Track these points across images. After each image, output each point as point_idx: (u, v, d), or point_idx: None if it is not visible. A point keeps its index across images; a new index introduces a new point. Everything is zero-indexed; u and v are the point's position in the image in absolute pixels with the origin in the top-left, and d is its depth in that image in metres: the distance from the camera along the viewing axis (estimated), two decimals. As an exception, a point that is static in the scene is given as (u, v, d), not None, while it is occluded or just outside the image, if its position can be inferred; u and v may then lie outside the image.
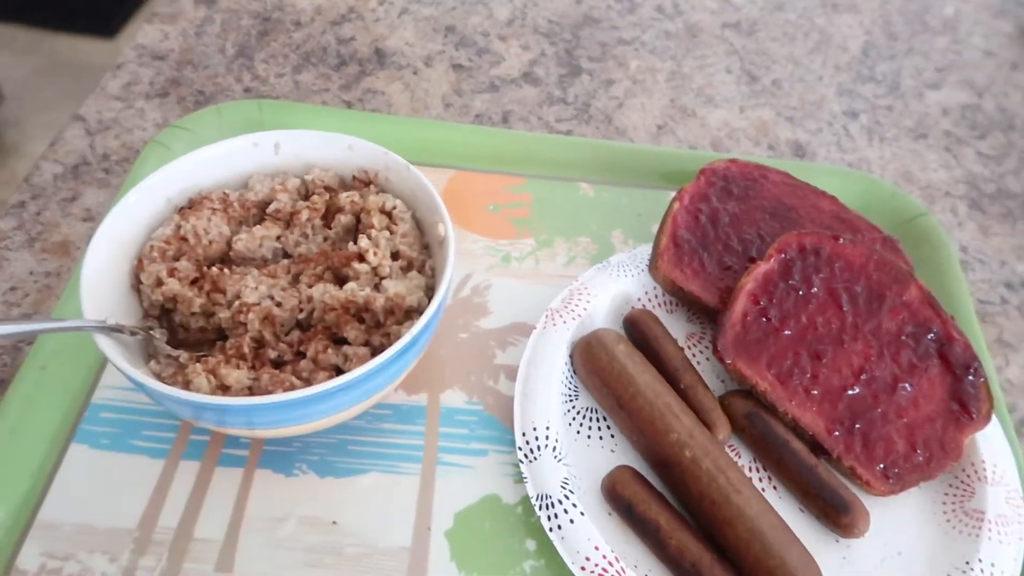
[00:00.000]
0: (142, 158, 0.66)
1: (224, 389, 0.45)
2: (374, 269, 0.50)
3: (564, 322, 0.56)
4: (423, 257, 0.53)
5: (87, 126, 0.73)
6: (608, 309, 0.59)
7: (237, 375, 0.45)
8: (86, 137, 0.72)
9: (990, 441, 0.53)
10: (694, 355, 0.58)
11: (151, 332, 0.48)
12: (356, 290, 0.49)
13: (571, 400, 0.54)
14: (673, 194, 0.69)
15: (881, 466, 0.51)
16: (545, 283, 0.62)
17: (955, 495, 0.52)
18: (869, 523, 0.49)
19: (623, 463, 0.51)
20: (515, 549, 0.49)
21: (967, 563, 0.48)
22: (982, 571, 0.47)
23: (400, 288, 0.49)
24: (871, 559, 0.50)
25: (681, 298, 0.58)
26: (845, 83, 0.87)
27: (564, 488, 0.48)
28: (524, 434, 0.51)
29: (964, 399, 0.52)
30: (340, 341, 0.49)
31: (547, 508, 0.48)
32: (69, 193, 0.67)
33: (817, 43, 0.92)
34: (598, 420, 0.54)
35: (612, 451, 0.53)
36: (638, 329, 0.57)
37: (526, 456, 0.50)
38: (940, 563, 0.49)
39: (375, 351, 0.48)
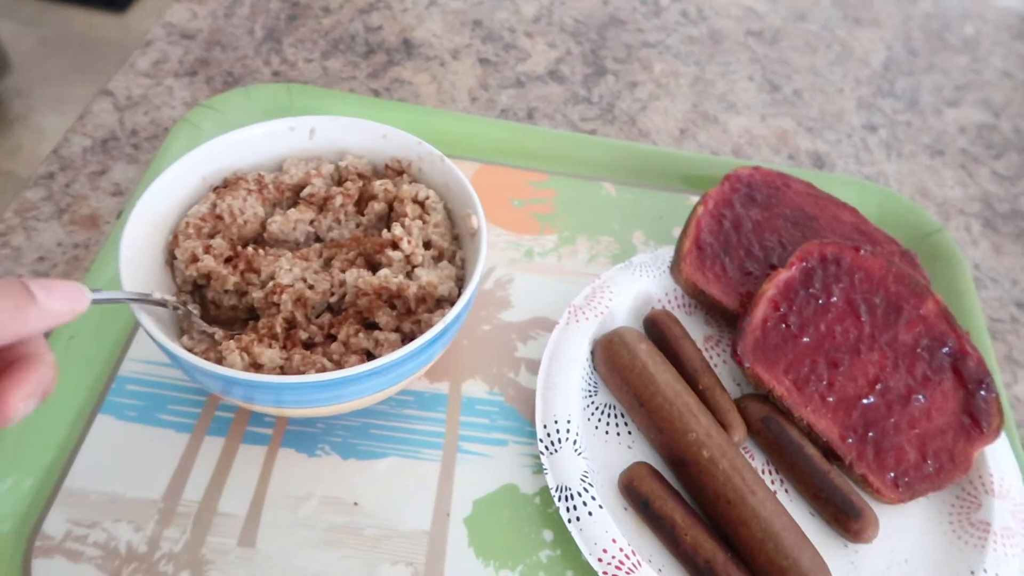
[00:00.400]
0: (171, 136, 0.66)
1: (256, 367, 0.46)
2: (407, 257, 0.51)
3: (587, 319, 0.57)
4: (453, 248, 0.54)
5: (116, 101, 0.73)
6: (629, 308, 0.60)
7: (270, 354, 0.46)
8: (115, 112, 0.72)
9: (998, 455, 0.54)
10: (711, 357, 0.59)
11: (189, 307, 0.49)
12: (389, 277, 0.49)
13: (590, 396, 0.55)
14: (695, 198, 0.70)
15: (892, 475, 0.52)
16: (567, 279, 0.63)
17: (962, 506, 0.53)
18: (878, 530, 0.50)
19: (640, 460, 0.52)
20: (532, 538, 0.50)
21: (972, 573, 0.49)
22: (987, 581, 0.49)
23: (432, 277, 0.50)
24: (878, 565, 0.51)
25: (701, 301, 0.59)
26: (865, 96, 0.88)
27: (584, 481, 0.49)
28: (545, 426, 0.52)
29: (975, 413, 0.54)
30: (370, 326, 0.50)
31: (566, 500, 0.49)
32: (98, 167, 0.67)
33: (838, 55, 0.93)
34: (616, 416, 0.55)
35: (629, 447, 0.54)
36: (658, 329, 0.58)
37: (547, 448, 0.51)
38: (945, 572, 0.50)
39: (405, 337, 0.49)
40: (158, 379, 0.53)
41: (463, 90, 0.80)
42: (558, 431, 0.51)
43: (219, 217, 0.52)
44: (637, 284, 0.60)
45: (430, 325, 0.48)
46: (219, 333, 0.48)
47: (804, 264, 0.57)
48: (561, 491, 0.49)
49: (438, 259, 0.53)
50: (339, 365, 0.47)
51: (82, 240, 0.62)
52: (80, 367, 0.53)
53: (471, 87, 0.81)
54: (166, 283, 0.51)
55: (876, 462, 0.52)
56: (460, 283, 0.52)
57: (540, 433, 0.51)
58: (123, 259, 0.46)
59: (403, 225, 0.53)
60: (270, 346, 0.47)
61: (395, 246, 0.51)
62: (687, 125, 0.81)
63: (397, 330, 0.49)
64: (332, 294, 0.51)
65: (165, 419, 0.52)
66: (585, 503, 0.48)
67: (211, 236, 0.52)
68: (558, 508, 0.49)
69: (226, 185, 0.54)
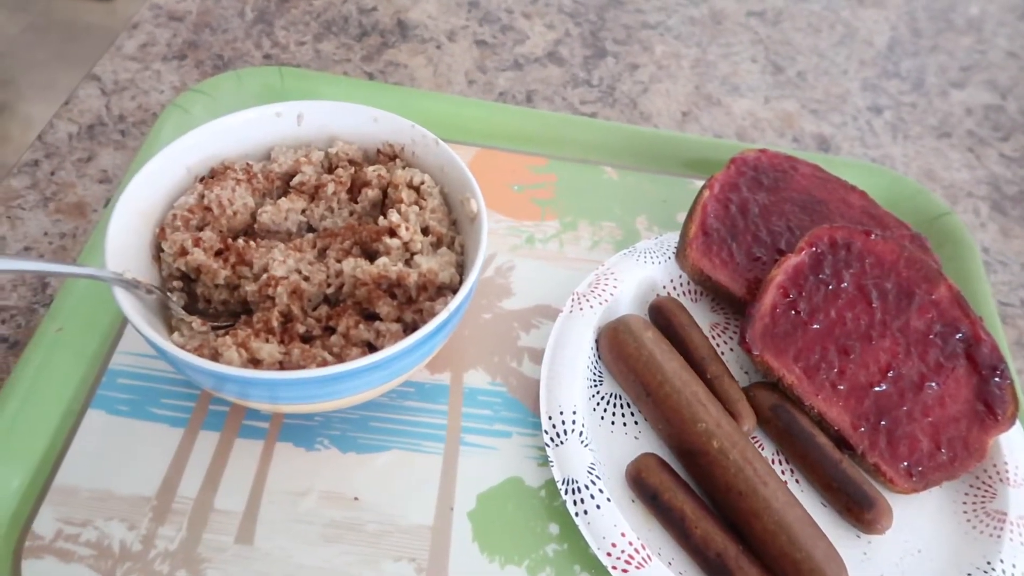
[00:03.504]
0: (160, 121, 0.64)
1: (255, 363, 0.44)
2: (405, 244, 0.49)
3: (591, 306, 0.55)
4: (452, 233, 0.52)
5: (102, 86, 0.71)
6: (634, 295, 0.58)
7: (269, 349, 0.44)
8: (101, 97, 0.70)
9: (1013, 444, 0.53)
10: (718, 345, 0.58)
11: (168, 295, 0.47)
12: (388, 265, 0.48)
13: (595, 385, 0.54)
14: (698, 182, 0.69)
15: (905, 464, 0.51)
16: (569, 266, 0.62)
17: (976, 495, 0.52)
18: (892, 520, 0.49)
19: (647, 451, 0.51)
20: (538, 532, 0.48)
21: (988, 563, 0.48)
22: (1003, 572, 0.48)
23: (433, 264, 0.48)
24: (891, 556, 0.50)
25: (707, 287, 0.58)
26: (870, 78, 0.86)
27: (591, 473, 0.48)
28: (550, 417, 0.50)
29: (990, 400, 0.52)
30: (370, 317, 0.48)
31: (573, 493, 0.47)
32: (84, 153, 0.65)
33: (842, 36, 0.91)
34: (622, 407, 0.54)
35: (636, 438, 0.52)
36: (664, 317, 0.56)
37: (552, 440, 0.49)
38: (960, 562, 0.49)
39: (407, 327, 0.47)
40: (150, 372, 0.52)
41: (460, 73, 0.78)
42: (563, 422, 0.50)
43: (207, 208, 0.50)
44: (642, 271, 0.58)
45: (432, 313, 0.47)
46: (196, 322, 0.46)
47: (814, 249, 0.55)
48: (568, 484, 0.48)
49: (436, 245, 0.52)
50: (340, 358, 0.45)
51: (69, 229, 0.60)
52: (69, 360, 0.51)
53: (468, 70, 0.79)
54: (154, 278, 0.49)
55: (889, 451, 0.51)
56: (460, 269, 0.51)
57: (545, 424, 0.50)
58: (110, 243, 0.45)
59: (399, 212, 0.51)
60: (267, 340, 0.45)
61: (392, 233, 0.50)
62: (689, 108, 0.79)
63: (398, 320, 0.48)
64: (328, 285, 0.49)
65: (158, 413, 0.50)
66: (593, 496, 0.47)
67: (200, 228, 0.50)
68: (564, 501, 0.48)
69: (213, 175, 0.52)
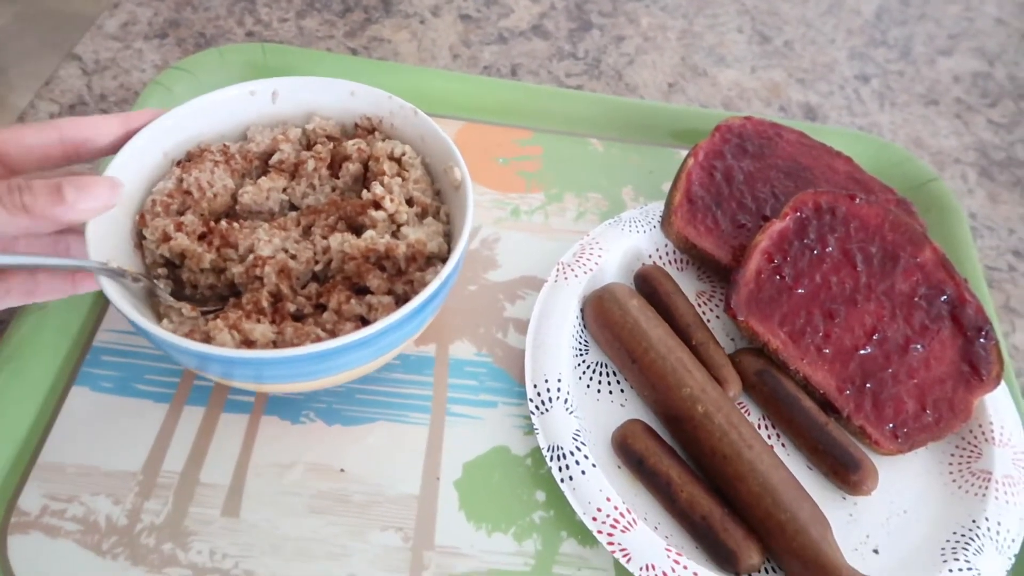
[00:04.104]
0: (142, 99, 0.64)
1: (248, 344, 0.43)
2: (391, 216, 0.49)
3: (576, 276, 0.55)
4: (436, 203, 0.52)
5: (83, 65, 0.71)
6: (619, 265, 0.58)
7: (262, 329, 0.44)
8: (83, 77, 0.70)
9: (997, 403, 0.53)
10: (704, 313, 0.58)
11: (155, 282, 0.47)
12: (375, 238, 0.47)
13: (581, 354, 0.54)
14: (684, 153, 0.68)
15: (891, 425, 0.51)
16: (554, 237, 0.62)
17: (962, 456, 0.52)
18: (878, 481, 0.49)
19: (633, 418, 0.51)
20: (524, 499, 0.48)
21: (973, 521, 0.48)
22: (988, 530, 0.48)
23: (420, 234, 0.48)
24: (877, 517, 0.50)
25: (693, 255, 0.58)
26: (857, 47, 0.86)
27: (576, 440, 0.48)
28: (535, 386, 0.50)
29: (975, 361, 0.52)
30: (360, 291, 0.48)
31: (558, 460, 0.47)
32: (66, 133, 0.65)
33: (830, 5, 0.91)
34: (608, 375, 0.54)
35: (622, 406, 0.52)
36: (649, 285, 0.56)
37: (537, 408, 0.49)
38: (946, 522, 0.49)
39: (398, 299, 0.47)
40: (135, 349, 0.52)
41: (444, 47, 0.78)
42: (548, 390, 0.50)
43: (187, 192, 0.49)
44: (627, 240, 0.58)
45: (423, 284, 0.46)
46: (186, 308, 0.45)
47: (798, 214, 0.55)
48: (553, 451, 0.48)
49: (422, 216, 0.51)
50: (333, 334, 0.45)
51: (52, 209, 0.59)
52: (53, 337, 0.51)
53: (452, 44, 0.78)
54: (138, 266, 0.48)
55: (874, 413, 0.51)
56: (448, 239, 0.51)
57: (530, 393, 0.50)
58: (90, 242, 0.43)
59: (383, 184, 0.51)
60: (259, 321, 0.45)
61: (377, 206, 0.49)
62: (675, 79, 0.79)
63: (389, 292, 0.47)
64: (316, 262, 0.48)
65: (143, 389, 0.50)
66: (578, 462, 0.47)
67: (180, 213, 0.49)
68: (550, 468, 0.48)
69: (190, 159, 0.51)
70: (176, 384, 0.51)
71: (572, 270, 0.56)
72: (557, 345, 0.52)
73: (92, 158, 0.46)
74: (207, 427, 0.49)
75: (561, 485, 0.47)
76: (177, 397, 0.50)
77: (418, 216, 0.51)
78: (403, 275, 0.48)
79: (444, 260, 0.48)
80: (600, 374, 0.54)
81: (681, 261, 0.60)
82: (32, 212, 0.39)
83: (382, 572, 0.45)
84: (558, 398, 0.49)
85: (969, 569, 0.46)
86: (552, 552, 0.47)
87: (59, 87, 0.68)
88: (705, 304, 0.59)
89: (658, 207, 0.61)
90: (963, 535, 0.48)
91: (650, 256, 0.60)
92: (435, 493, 0.48)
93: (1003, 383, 0.54)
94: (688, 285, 0.59)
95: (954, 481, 0.51)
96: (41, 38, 2.12)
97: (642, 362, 0.51)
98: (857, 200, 0.56)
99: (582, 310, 0.55)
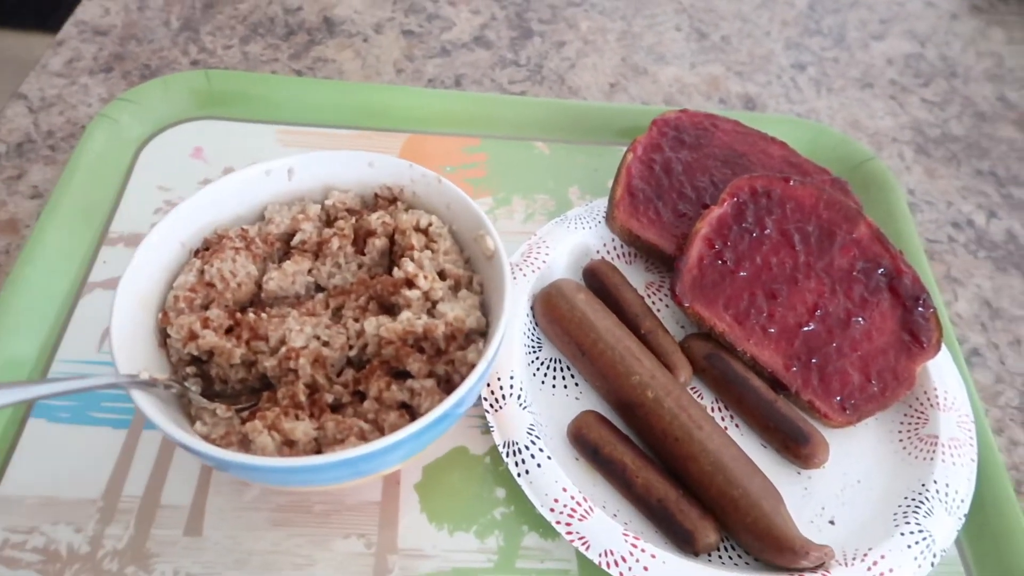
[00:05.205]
0: (88, 132, 0.64)
1: (290, 444, 0.42)
2: (425, 294, 0.47)
3: (524, 275, 0.56)
4: (468, 273, 0.50)
5: (29, 104, 0.71)
6: (567, 262, 0.59)
7: (303, 427, 0.42)
8: (29, 115, 0.70)
9: (941, 370, 0.55)
10: (653, 303, 0.59)
11: (186, 385, 0.45)
12: (412, 319, 0.45)
13: (534, 351, 0.55)
14: (628, 148, 0.69)
15: (838, 398, 0.52)
16: (504, 239, 0.61)
17: (910, 423, 0.54)
18: (828, 453, 0.50)
19: (587, 409, 0.52)
20: (484, 497, 0.49)
21: (923, 485, 0.50)
22: (937, 492, 0.49)
23: (458, 311, 0.46)
24: (832, 488, 0.51)
25: (638, 247, 0.59)
26: (792, 37, 0.88)
27: (531, 434, 0.48)
28: (488, 384, 0.51)
29: (915, 329, 0.54)
30: (399, 375, 0.46)
31: (514, 455, 0.48)
32: (15, 171, 0.65)
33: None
34: (562, 370, 0.55)
35: (576, 399, 0.53)
36: (597, 278, 0.57)
37: (492, 406, 0.50)
38: (898, 487, 0.51)
39: (439, 380, 0.45)
40: (90, 378, 0.52)
41: (388, 63, 0.79)
42: (501, 387, 0.51)
43: (210, 284, 0.48)
44: (574, 237, 0.59)
45: (464, 363, 0.45)
46: (220, 409, 0.44)
47: (735, 200, 0.56)
48: (508, 447, 0.48)
49: (456, 289, 0.49)
50: (376, 424, 0.44)
51: (2, 246, 0.60)
52: (7, 371, 0.51)
53: (396, 59, 0.79)
54: (162, 365, 0.46)
55: (821, 387, 0.53)
56: (483, 308, 0.49)
57: (484, 392, 0.51)
58: (116, 341, 0.42)
59: (413, 259, 0.48)
60: (297, 417, 0.43)
61: (410, 284, 0.47)
62: (617, 79, 0.80)
63: (430, 375, 0.45)
64: (351, 347, 0.46)
65: (100, 417, 0.50)
66: (533, 455, 0.48)
67: (204, 307, 0.48)
68: (507, 464, 0.48)
69: (208, 247, 0.49)
70: (133, 410, 0.51)
71: (520, 270, 0.57)
72: (509, 344, 0.53)
73: None
74: (167, 450, 0.49)
75: (518, 480, 0.47)
76: (135, 422, 0.50)
77: (452, 289, 0.49)
78: (443, 355, 0.45)
79: (482, 334, 0.47)
80: (554, 369, 0.54)
81: (629, 254, 0.62)
82: None
83: (346, 578, 0.45)
84: (511, 394, 0.50)
85: (920, 531, 0.47)
86: (514, 547, 0.47)
87: (5, 126, 0.69)
88: (655, 294, 0.60)
89: (603, 203, 0.62)
90: (913, 499, 0.49)
91: (598, 251, 0.61)
92: (396, 498, 0.49)
93: (946, 350, 0.56)
94: (636, 277, 0.60)
95: (904, 448, 0.53)
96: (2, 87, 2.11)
97: (591, 353, 0.52)
98: (792, 182, 0.57)
99: (532, 307, 0.56)
